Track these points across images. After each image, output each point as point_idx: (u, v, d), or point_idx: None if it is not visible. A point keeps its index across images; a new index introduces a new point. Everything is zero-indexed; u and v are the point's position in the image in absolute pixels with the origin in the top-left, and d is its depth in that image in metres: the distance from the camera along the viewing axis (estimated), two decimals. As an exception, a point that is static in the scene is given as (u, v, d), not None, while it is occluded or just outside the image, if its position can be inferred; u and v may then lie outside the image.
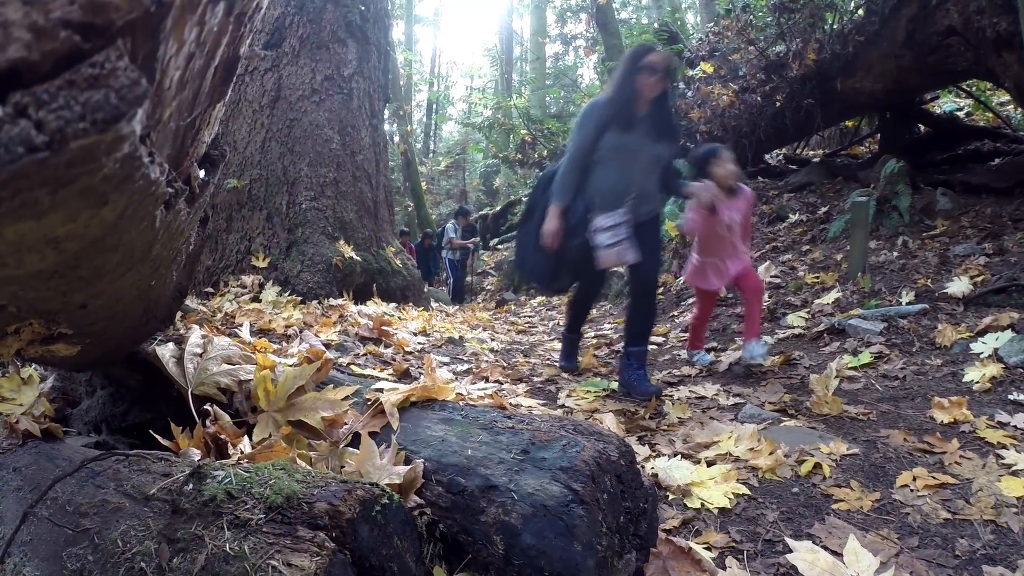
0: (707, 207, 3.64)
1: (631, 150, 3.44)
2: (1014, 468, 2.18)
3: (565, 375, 4.07)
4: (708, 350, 4.38)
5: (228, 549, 1.05)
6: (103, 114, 0.43)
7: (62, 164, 0.43)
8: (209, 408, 1.78)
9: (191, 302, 4.02)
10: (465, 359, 4.20)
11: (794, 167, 9.39)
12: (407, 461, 1.51)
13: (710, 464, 2.31)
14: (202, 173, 0.98)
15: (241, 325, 3.36)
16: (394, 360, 3.55)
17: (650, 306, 3.60)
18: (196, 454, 1.58)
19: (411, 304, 6.32)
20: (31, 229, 0.51)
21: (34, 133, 0.41)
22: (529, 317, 8.32)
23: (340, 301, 5.20)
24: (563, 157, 3.66)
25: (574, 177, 3.50)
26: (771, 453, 2.34)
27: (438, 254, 13.53)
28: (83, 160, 0.45)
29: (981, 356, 3.30)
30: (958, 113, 9.04)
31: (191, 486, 1.20)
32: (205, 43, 0.63)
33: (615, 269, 4.49)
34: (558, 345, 5.45)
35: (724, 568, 1.67)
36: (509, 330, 6.63)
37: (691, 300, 6.23)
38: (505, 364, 4.28)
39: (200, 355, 2.00)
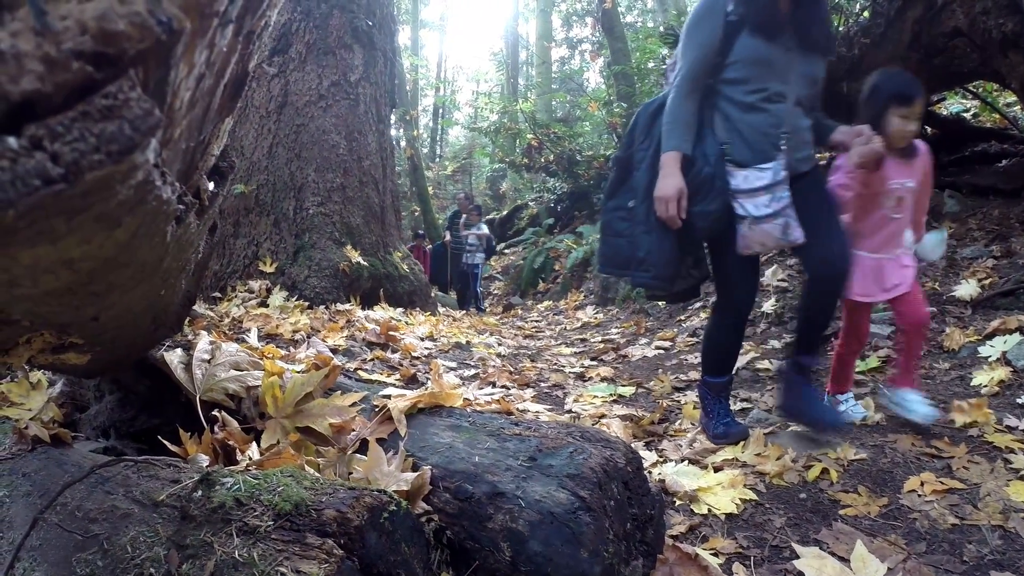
0: (866, 167, 2.47)
1: (778, 67, 2.35)
2: (1022, 473, 2.17)
3: (573, 382, 4.06)
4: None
5: (237, 556, 1.05)
6: (117, 145, 0.44)
7: (78, 195, 0.44)
8: (217, 414, 1.80)
9: (199, 307, 4.04)
10: (472, 364, 4.21)
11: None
12: (415, 468, 1.52)
13: (717, 470, 2.31)
14: (211, 185, 0.99)
15: (249, 330, 3.38)
16: (401, 365, 3.56)
17: (833, 303, 2.48)
18: (204, 460, 1.59)
19: (418, 309, 6.33)
20: (47, 253, 0.52)
21: (50, 166, 0.42)
22: (536, 322, 8.33)
23: (347, 306, 5.22)
24: (674, 77, 2.49)
25: (693, 106, 2.41)
26: (778, 458, 2.34)
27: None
28: (98, 189, 0.45)
29: (989, 360, 3.28)
30: (964, 115, 9.01)
31: (200, 493, 1.21)
32: (215, 63, 0.64)
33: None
34: (565, 349, 5.46)
35: (731, 574, 1.67)
36: (516, 335, 6.63)
37: (698, 304, 6.18)
38: (512, 369, 4.28)
39: (208, 361, 2.02)
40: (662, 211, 2.37)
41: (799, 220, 2.31)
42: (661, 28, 13.72)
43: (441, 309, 7.71)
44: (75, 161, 0.43)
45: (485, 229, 11.71)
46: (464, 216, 11.87)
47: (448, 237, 11.90)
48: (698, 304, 6.11)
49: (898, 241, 2.67)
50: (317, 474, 1.41)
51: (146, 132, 0.45)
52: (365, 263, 5.89)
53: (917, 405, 2.61)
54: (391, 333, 4.25)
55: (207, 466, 1.52)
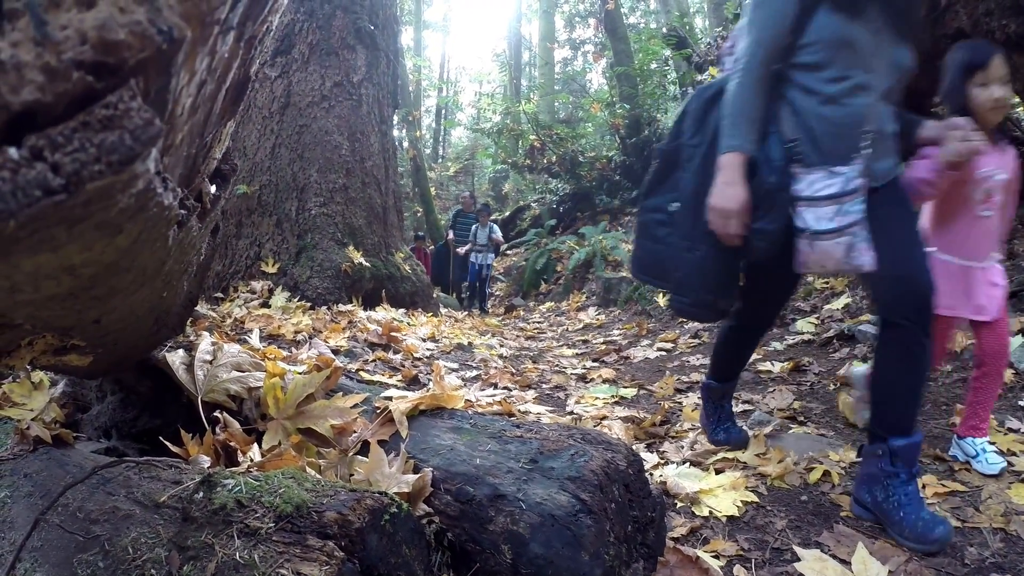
0: (958, 167, 2.04)
1: (863, 51, 1.88)
2: (1024, 476, 2.17)
3: (574, 384, 4.06)
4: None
5: (238, 558, 1.06)
6: (118, 155, 0.44)
7: (78, 205, 0.44)
8: (219, 415, 1.80)
9: (201, 308, 4.04)
10: (474, 365, 4.21)
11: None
12: (416, 470, 1.52)
13: (718, 472, 2.30)
14: (213, 188, 0.99)
15: (251, 331, 3.39)
16: (403, 366, 3.57)
17: (920, 354, 1.87)
18: (206, 461, 1.60)
19: (420, 310, 6.33)
20: (48, 260, 0.52)
21: (50, 176, 0.42)
22: (538, 323, 8.33)
23: (349, 307, 5.22)
24: (734, 61, 2.02)
25: (760, 97, 1.95)
26: (780, 461, 2.34)
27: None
28: (99, 199, 0.46)
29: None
30: (969, 117, 8.99)
31: (201, 494, 1.21)
32: (216, 69, 0.64)
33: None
34: (566, 351, 5.46)
35: (732, 577, 1.67)
36: (518, 336, 6.63)
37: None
38: (514, 370, 4.28)
39: (210, 362, 2.02)
40: (719, 226, 1.94)
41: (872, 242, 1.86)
42: (664, 29, 13.75)
43: (443, 310, 7.71)
44: (75, 172, 0.43)
45: (498, 231, 11.49)
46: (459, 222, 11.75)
47: (451, 236, 11.77)
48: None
49: (988, 247, 2.28)
50: (318, 476, 1.41)
51: (147, 142, 0.45)
52: (367, 264, 5.90)
53: (993, 456, 2.25)
54: (393, 334, 4.25)
55: (208, 467, 1.52)
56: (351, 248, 5.89)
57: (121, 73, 0.44)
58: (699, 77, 9.32)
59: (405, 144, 18.93)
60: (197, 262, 1.48)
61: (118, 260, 0.62)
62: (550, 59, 23.62)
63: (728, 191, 1.91)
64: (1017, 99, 7.67)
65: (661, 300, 6.80)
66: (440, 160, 28.88)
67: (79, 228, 0.48)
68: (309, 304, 5.11)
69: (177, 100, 0.56)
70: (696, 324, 5.62)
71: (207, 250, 1.58)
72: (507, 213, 18.55)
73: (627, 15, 21.72)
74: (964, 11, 5.51)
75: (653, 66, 14.08)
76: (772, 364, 3.92)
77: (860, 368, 2.86)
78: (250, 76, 0.84)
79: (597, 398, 3.47)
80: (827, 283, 5.28)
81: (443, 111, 31.06)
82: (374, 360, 3.61)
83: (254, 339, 3.06)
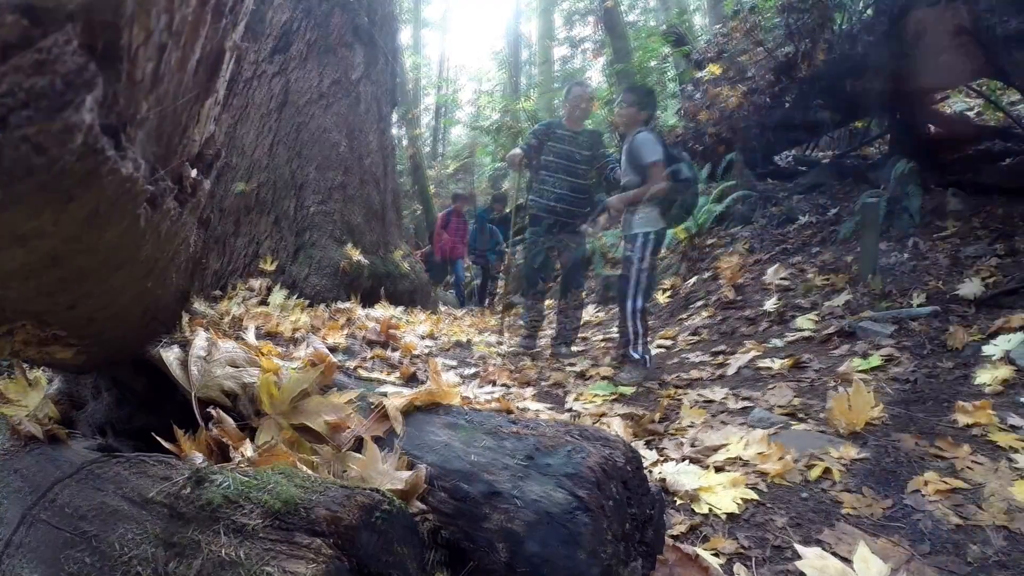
0: None
1: None
2: (1028, 472, 2.14)
3: (573, 381, 4.03)
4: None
5: (225, 555, 1.03)
6: (48, 101, 0.41)
7: (8, 156, 0.42)
8: (213, 412, 1.77)
9: (199, 306, 4.01)
10: (472, 363, 4.19)
11: (804, 168, 9.31)
12: (410, 466, 1.50)
13: (718, 469, 2.28)
14: (194, 173, 0.97)
15: (247, 328, 3.36)
16: (401, 364, 3.54)
17: None
18: (199, 458, 1.57)
19: (419, 308, 6.31)
20: (-11, 224, 0.49)
21: (-24, 121, 0.40)
22: (537, 320, 8.30)
23: (348, 305, 5.20)
24: None
25: None
26: (780, 458, 2.31)
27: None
28: (34, 152, 0.43)
29: (992, 358, 3.25)
30: (968, 113, 8.97)
31: (190, 490, 1.19)
32: (179, 33, 0.61)
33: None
34: (565, 348, 5.42)
35: (732, 575, 1.65)
36: (517, 333, 6.61)
37: (699, 304, 6.14)
38: (512, 367, 4.26)
39: (205, 359, 1.99)
40: None
41: None
42: (663, 27, 13.74)
43: (442, 308, 7.69)
44: (2, 116, 0.40)
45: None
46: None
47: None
48: (699, 303, 6.08)
49: None
50: (310, 472, 1.39)
51: (80, 88, 0.42)
52: (366, 261, 5.88)
53: None
54: (391, 331, 4.23)
55: (201, 464, 1.50)
56: (349, 246, 5.87)
57: (58, 19, 0.41)
58: (698, 74, 9.29)
59: (404, 142, 18.90)
60: (186, 254, 1.45)
61: (78, 235, 0.60)
62: (549, 57, 23.59)
63: None
64: (1019, 96, 7.64)
65: (661, 298, 6.77)
66: (439, 158, 28.82)
67: (19, 187, 0.46)
68: (307, 302, 5.08)
69: (134, 61, 0.53)
70: (696, 321, 5.58)
71: (197, 243, 1.55)
72: (506, 211, 18.52)
73: (626, 13, 21.66)
74: (965, 8, 5.49)
75: (652, 64, 14.08)
76: (772, 361, 3.90)
77: None
78: (224, 49, 0.81)
79: (596, 395, 3.44)
80: (827, 280, 5.26)
81: (442, 109, 31.01)
82: (372, 357, 3.59)
83: (250, 336, 3.04)
